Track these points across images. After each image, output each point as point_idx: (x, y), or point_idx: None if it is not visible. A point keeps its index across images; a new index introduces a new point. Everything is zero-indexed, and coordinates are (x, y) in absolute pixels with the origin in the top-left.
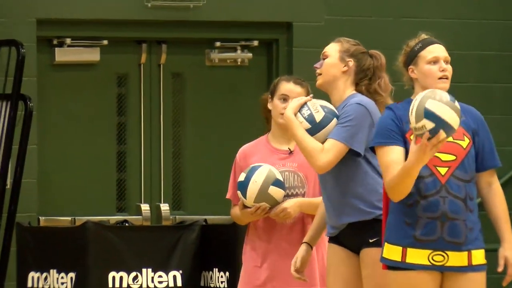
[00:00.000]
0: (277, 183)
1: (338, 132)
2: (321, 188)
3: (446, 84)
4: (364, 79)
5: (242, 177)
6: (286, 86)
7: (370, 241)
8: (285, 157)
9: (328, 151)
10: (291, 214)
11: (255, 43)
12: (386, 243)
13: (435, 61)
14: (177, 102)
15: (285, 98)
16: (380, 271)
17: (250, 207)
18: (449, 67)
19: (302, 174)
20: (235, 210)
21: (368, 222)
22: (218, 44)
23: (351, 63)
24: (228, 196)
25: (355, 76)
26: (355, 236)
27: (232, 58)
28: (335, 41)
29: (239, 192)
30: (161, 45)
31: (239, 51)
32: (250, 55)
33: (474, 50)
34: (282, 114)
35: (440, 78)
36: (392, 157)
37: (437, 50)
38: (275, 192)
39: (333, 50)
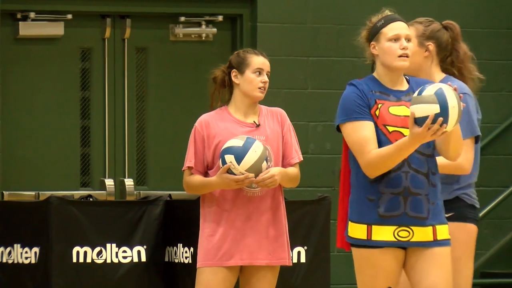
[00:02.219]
0: (267, 160)
1: (472, 129)
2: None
3: (405, 62)
4: (447, 57)
5: (237, 143)
6: (259, 60)
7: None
8: (252, 130)
9: (468, 151)
10: (277, 182)
11: (220, 18)
12: (350, 222)
13: (396, 38)
14: (141, 76)
15: (259, 72)
16: (454, 245)
17: (235, 174)
18: (410, 45)
19: (269, 147)
20: (195, 179)
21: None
22: (182, 19)
23: (431, 46)
24: (190, 164)
25: (437, 56)
26: None
27: (196, 33)
28: (408, 24)
29: (230, 156)
30: (125, 20)
31: (203, 26)
32: (214, 30)
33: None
34: (260, 87)
35: (400, 56)
36: (366, 132)
37: (399, 27)
38: (265, 167)
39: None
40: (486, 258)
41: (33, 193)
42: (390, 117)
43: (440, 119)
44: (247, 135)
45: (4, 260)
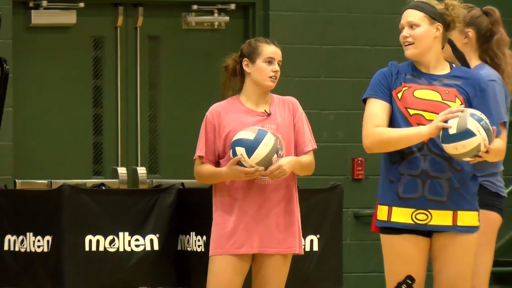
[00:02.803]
0: (278, 153)
1: (498, 115)
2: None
3: (409, 50)
4: (485, 44)
5: (248, 135)
6: (271, 49)
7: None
8: (262, 119)
9: (504, 137)
10: (286, 172)
11: (232, 6)
12: (378, 204)
13: (402, 28)
14: (154, 65)
15: (270, 61)
16: (480, 231)
17: (245, 166)
18: (414, 32)
19: (280, 136)
20: (206, 168)
21: None
22: (195, 7)
23: (471, 33)
24: (200, 154)
25: (477, 43)
26: None
27: (208, 22)
28: None
29: (241, 148)
30: (137, 8)
31: (216, 15)
32: (227, 18)
33: None
34: (271, 77)
35: (404, 44)
36: (376, 109)
37: (406, 15)
38: (275, 160)
39: None
40: (498, 246)
41: (45, 181)
42: (413, 100)
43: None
44: (259, 127)
45: (17, 249)
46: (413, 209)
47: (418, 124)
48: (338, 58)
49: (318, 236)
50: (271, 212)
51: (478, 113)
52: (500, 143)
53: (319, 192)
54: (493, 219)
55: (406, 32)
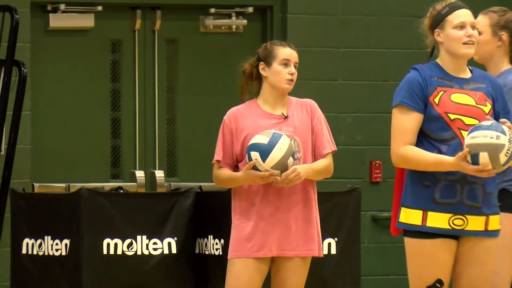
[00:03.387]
0: (293, 156)
1: None
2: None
3: (471, 49)
4: None
5: (262, 139)
6: (286, 51)
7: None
8: (280, 122)
9: None
10: (301, 176)
11: (250, 9)
12: (403, 208)
13: (461, 26)
14: (172, 68)
15: (286, 63)
16: (501, 234)
17: (261, 171)
18: (475, 33)
19: (298, 138)
20: (223, 173)
21: None
22: (212, 10)
23: (504, 36)
24: (218, 158)
25: (510, 46)
26: None
27: (226, 25)
28: (482, 14)
29: (256, 153)
30: (155, 11)
31: (233, 18)
32: (244, 21)
33: None
34: (288, 79)
35: (465, 43)
36: (409, 123)
37: (464, 15)
38: (291, 163)
39: (483, 24)
40: None
41: (63, 185)
42: (451, 105)
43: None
44: (274, 130)
45: (35, 252)
46: (451, 214)
47: (459, 129)
48: (355, 61)
49: (336, 239)
50: (288, 215)
51: (496, 126)
52: None
53: (337, 195)
54: None
55: (471, 31)
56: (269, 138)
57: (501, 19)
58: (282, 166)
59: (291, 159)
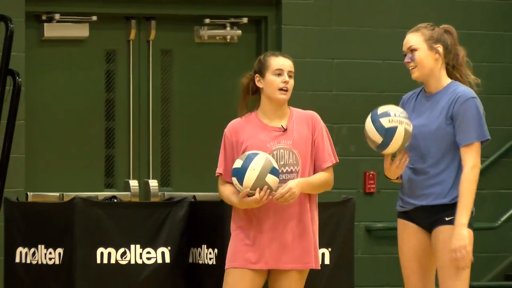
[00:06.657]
0: (273, 171)
1: (476, 133)
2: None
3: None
4: (450, 61)
5: (238, 164)
6: (278, 61)
7: (447, 219)
8: (279, 134)
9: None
10: (296, 195)
11: (244, 20)
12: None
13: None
14: (166, 78)
15: (279, 73)
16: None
17: (252, 195)
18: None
19: (296, 151)
20: (227, 190)
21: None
22: (207, 21)
23: (440, 48)
24: (219, 171)
25: (445, 58)
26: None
27: (221, 35)
28: (413, 31)
29: (234, 178)
30: (150, 22)
31: (228, 28)
32: (239, 32)
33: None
34: (281, 89)
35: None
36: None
37: None
38: (272, 180)
39: (418, 41)
40: (510, 260)
41: (57, 194)
42: None
43: None
44: (251, 151)
45: (28, 261)
46: None
47: None
48: (350, 72)
49: (330, 249)
50: (285, 228)
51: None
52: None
53: (331, 206)
54: None
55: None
56: (243, 161)
57: (433, 33)
58: (261, 185)
59: (276, 179)
